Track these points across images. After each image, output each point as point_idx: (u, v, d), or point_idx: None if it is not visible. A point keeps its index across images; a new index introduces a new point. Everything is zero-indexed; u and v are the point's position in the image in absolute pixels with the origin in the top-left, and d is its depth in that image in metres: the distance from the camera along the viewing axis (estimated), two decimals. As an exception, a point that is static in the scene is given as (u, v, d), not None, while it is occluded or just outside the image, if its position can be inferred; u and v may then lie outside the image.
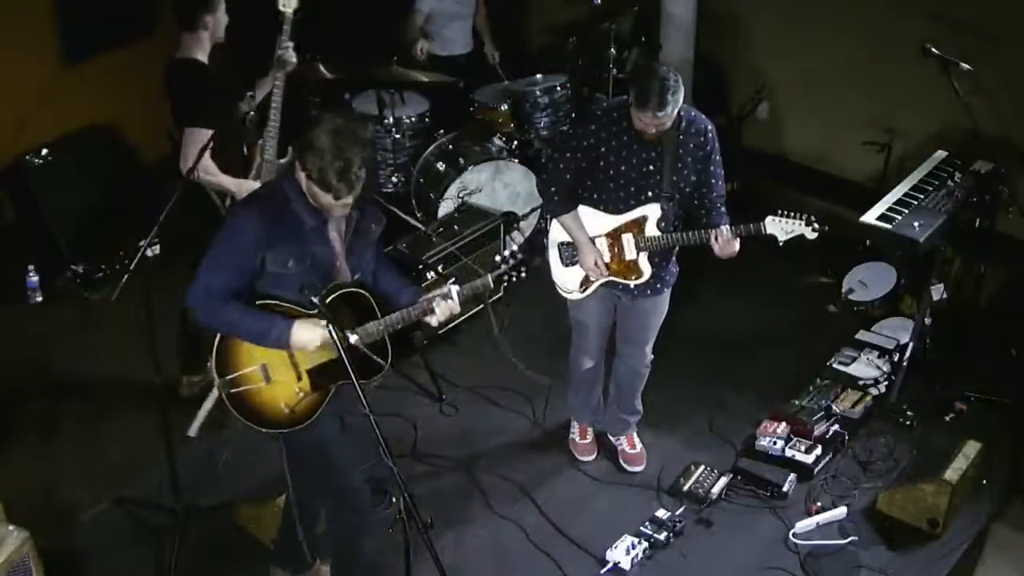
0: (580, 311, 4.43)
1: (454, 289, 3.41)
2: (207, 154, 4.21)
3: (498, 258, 3.49)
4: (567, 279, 4.33)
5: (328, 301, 3.30)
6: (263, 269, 3.27)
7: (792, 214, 4.01)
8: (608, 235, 4.18)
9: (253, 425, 3.41)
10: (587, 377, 4.63)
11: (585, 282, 4.29)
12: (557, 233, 4.30)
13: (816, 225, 3.99)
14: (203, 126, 4.31)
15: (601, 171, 4.05)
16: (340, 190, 3.12)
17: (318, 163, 3.09)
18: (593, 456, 4.77)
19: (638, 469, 4.74)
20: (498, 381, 5.18)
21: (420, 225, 4.51)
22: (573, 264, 4.27)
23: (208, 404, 3.46)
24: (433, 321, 3.43)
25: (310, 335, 3.28)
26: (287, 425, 3.42)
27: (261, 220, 3.22)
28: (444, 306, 3.40)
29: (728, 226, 4.02)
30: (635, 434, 4.78)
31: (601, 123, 4.03)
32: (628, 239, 4.16)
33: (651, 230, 4.13)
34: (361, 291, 3.40)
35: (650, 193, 4.09)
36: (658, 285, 4.30)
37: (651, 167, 4.05)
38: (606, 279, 4.25)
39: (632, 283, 4.24)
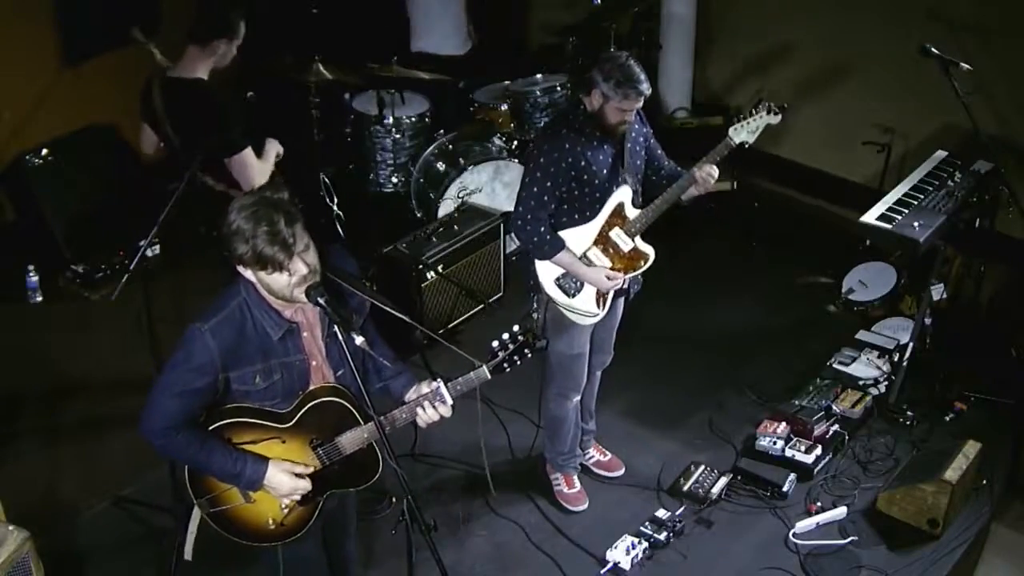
0: (575, 343, 4.21)
1: (443, 388, 3.07)
2: (255, 160, 4.21)
3: (495, 343, 3.05)
4: (583, 306, 4.12)
5: (301, 414, 3.05)
6: (228, 387, 2.99)
7: (749, 112, 4.00)
8: (596, 241, 4.08)
9: (241, 540, 3.21)
10: (573, 417, 4.43)
11: (600, 298, 4.14)
12: (547, 273, 4.08)
13: (775, 107, 3.98)
14: (245, 145, 4.23)
15: (585, 184, 3.95)
16: (280, 257, 2.80)
17: (244, 244, 2.79)
18: (587, 503, 4.55)
19: (620, 472, 4.72)
20: (498, 381, 5.15)
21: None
22: (579, 291, 4.12)
23: (194, 525, 3.32)
24: (421, 423, 3.11)
25: (287, 483, 3.06)
26: (277, 539, 3.20)
27: (219, 341, 2.90)
28: (431, 410, 3.10)
29: (700, 163, 3.99)
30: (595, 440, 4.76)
31: (571, 138, 3.91)
32: (616, 232, 4.08)
33: (631, 212, 4.09)
34: (338, 399, 3.07)
35: (611, 183, 4.05)
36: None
37: (612, 160, 4.03)
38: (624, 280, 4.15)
39: (642, 270, 4.18)
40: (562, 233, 4.03)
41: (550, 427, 4.53)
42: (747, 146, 4.04)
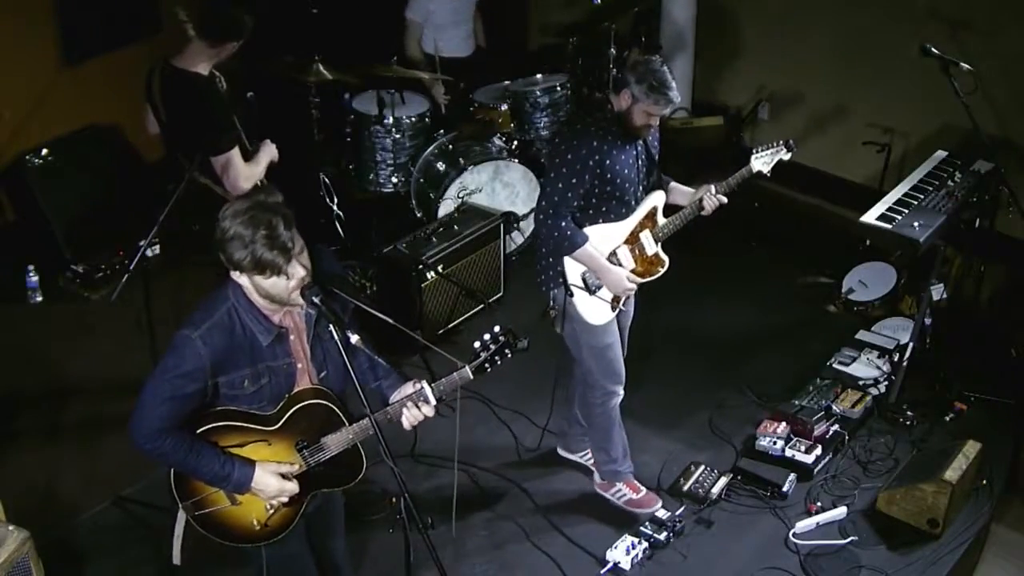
0: (605, 335, 4.21)
1: (427, 389, 3.10)
2: (241, 163, 4.20)
3: (477, 344, 3.07)
4: (600, 305, 4.14)
5: (287, 417, 3.06)
6: (216, 391, 2.99)
7: (768, 146, 4.23)
8: (627, 240, 4.13)
9: (226, 542, 3.21)
10: (620, 416, 4.40)
11: (616, 300, 4.17)
12: (574, 268, 4.10)
13: (791, 143, 4.24)
14: (231, 146, 4.25)
15: (608, 183, 3.99)
16: (280, 262, 2.79)
17: (242, 250, 2.78)
18: (660, 501, 4.51)
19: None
20: (497, 381, 5.17)
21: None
22: (599, 287, 4.11)
23: (179, 528, 3.32)
24: (406, 424, 3.12)
25: (275, 485, 3.07)
26: (262, 539, 3.21)
27: (210, 348, 2.90)
28: (415, 411, 3.10)
29: (720, 182, 4.13)
30: None
31: (598, 136, 3.94)
32: (646, 235, 4.16)
33: (661, 218, 4.17)
34: (323, 401, 3.10)
35: (643, 186, 4.14)
36: None
37: (640, 161, 4.09)
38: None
39: (656, 277, 4.22)
40: (595, 228, 4.06)
41: (600, 434, 4.45)
42: (767, 175, 4.23)
